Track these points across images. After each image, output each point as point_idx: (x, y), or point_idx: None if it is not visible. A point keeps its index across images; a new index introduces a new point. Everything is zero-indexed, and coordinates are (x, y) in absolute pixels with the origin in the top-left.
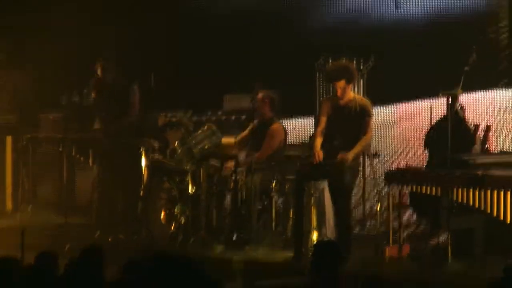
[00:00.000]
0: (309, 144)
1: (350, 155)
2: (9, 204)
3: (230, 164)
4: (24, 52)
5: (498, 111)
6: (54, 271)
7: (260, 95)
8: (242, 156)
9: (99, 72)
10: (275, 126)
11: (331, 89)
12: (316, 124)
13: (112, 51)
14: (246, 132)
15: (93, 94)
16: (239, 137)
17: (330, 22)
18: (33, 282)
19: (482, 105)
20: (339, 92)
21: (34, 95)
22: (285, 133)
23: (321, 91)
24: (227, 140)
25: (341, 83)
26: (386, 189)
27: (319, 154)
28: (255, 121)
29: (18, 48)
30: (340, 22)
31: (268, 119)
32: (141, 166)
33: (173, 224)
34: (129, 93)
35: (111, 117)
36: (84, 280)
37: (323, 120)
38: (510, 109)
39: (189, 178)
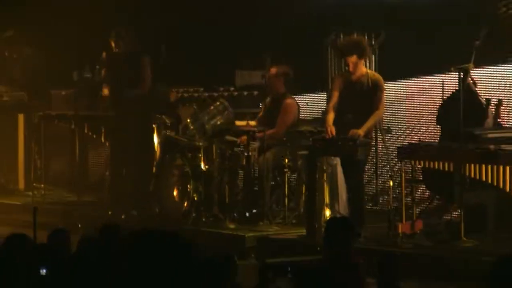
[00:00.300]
0: (321, 120)
1: (362, 130)
2: (21, 183)
3: (244, 138)
4: (35, 28)
5: (510, 85)
6: (67, 248)
7: (273, 70)
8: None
9: (112, 45)
10: (288, 101)
11: (343, 64)
12: (328, 100)
13: (124, 26)
14: (261, 111)
15: (103, 72)
16: (257, 118)
17: None
18: (46, 259)
19: (493, 80)
20: (351, 67)
21: (46, 71)
22: (298, 107)
23: (333, 66)
24: (239, 123)
25: (353, 58)
26: (398, 165)
27: (332, 129)
28: (268, 99)
29: (29, 23)
30: None
31: (281, 95)
32: (153, 143)
33: (186, 201)
34: (141, 65)
35: (121, 89)
36: (99, 257)
37: (335, 95)
38: None
39: (201, 155)
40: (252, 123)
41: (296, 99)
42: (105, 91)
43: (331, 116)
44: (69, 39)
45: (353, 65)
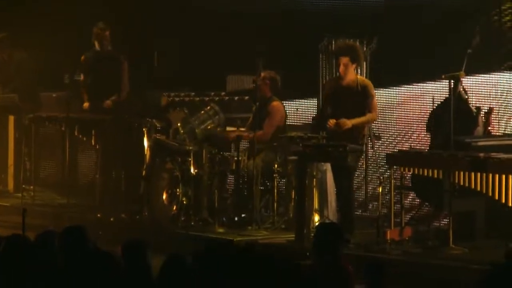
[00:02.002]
0: (311, 126)
1: (351, 121)
2: (11, 184)
3: (234, 136)
4: (27, 30)
5: (501, 93)
6: (54, 249)
7: (261, 75)
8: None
9: (96, 44)
10: (274, 103)
11: (334, 70)
12: (319, 105)
13: (113, 28)
14: (251, 118)
15: (81, 76)
16: (247, 125)
17: (334, 3)
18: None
19: (484, 88)
20: (341, 69)
21: (37, 74)
22: (285, 110)
23: (324, 72)
24: (230, 129)
25: (345, 59)
26: (388, 172)
27: (331, 120)
28: (257, 104)
29: (21, 25)
30: (344, 4)
31: (268, 99)
32: (143, 146)
33: (175, 205)
34: (121, 70)
35: (101, 95)
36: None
37: (326, 101)
38: None
39: (191, 159)
40: (242, 129)
41: (285, 104)
42: (84, 97)
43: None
44: (61, 42)
45: (344, 67)
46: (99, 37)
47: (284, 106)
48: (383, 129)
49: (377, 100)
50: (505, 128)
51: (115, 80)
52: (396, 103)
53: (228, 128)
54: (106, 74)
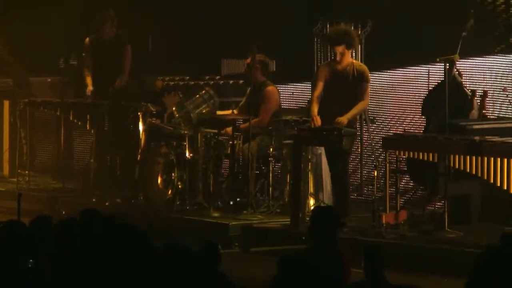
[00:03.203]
0: (306, 109)
1: (346, 118)
2: (6, 169)
3: (228, 129)
4: (21, 14)
5: (496, 76)
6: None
7: (248, 60)
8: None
9: (103, 27)
10: (269, 88)
11: (329, 54)
12: (313, 89)
13: (110, 11)
14: (243, 100)
15: (85, 59)
16: (239, 107)
17: None
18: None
19: (479, 71)
20: (338, 57)
21: (32, 59)
22: (279, 94)
23: (319, 56)
24: (221, 113)
25: (341, 48)
26: (383, 155)
27: (317, 119)
28: (249, 88)
29: (14, 10)
30: None
31: (261, 83)
32: (138, 131)
33: (170, 189)
34: (123, 54)
35: (105, 80)
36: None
37: (320, 85)
38: (507, 75)
39: (186, 143)
40: (236, 112)
41: (280, 87)
42: (88, 81)
43: (315, 106)
44: (55, 26)
45: (340, 55)
46: (100, 24)
47: (278, 90)
48: (378, 112)
49: (372, 83)
50: (500, 111)
51: (116, 67)
52: (391, 87)
53: (220, 112)
54: (110, 59)
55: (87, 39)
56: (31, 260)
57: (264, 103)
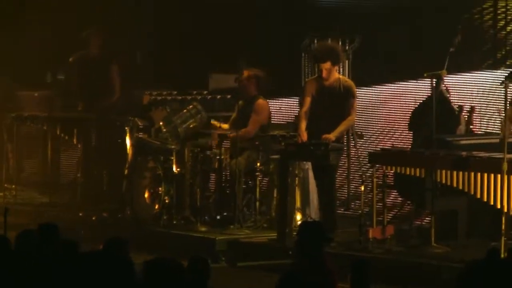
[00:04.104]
0: (294, 124)
1: (334, 135)
2: None
3: (215, 139)
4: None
5: (483, 92)
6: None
7: (246, 73)
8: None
9: (90, 44)
10: (260, 101)
11: (316, 69)
12: (301, 105)
13: (98, 27)
14: (234, 114)
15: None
16: (230, 121)
17: (317, 2)
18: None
19: (466, 86)
20: (324, 73)
21: (19, 73)
22: (269, 109)
23: (306, 71)
24: (214, 122)
25: (327, 65)
26: (370, 170)
27: (304, 134)
28: (240, 102)
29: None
30: (327, 2)
31: (253, 97)
32: (125, 145)
33: (157, 204)
34: (110, 73)
35: (93, 97)
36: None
37: (308, 100)
38: (494, 91)
39: (173, 158)
40: (225, 126)
41: (268, 102)
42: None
43: (303, 122)
44: (43, 41)
45: (327, 72)
46: (87, 41)
47: (269, 105)
48: (365, 127)
49: (359, 98)
50: (487, 126)
51: (104, 83)
52: (379, 102)
53: (213, 122)
54: (96, 76)
55: (72, 58)
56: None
57: (253, 115)
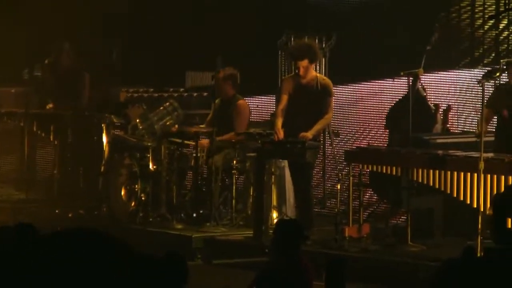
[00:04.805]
0: (270, 122)
1: (311, 133)
2: None
3: (205, 142)
4: None
5: (460, 91)
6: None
7: (221, 73)
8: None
9: (58, 54)
10: (240, 102)
11: (293, 67)
12: (278, 103)
13: (68, 41)
14: (210, 114)
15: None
16: (207, 120)
17: None
18: None
19: (443, 85)
20: (301, 71)
21: None
22: (249, 108)
23: (283, 69)
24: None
25: (304, 62)
26: (346, 169)
27: (280, 132)
28: (217, 101)
29: None
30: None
31: (231, 97)
32: (102, 142)
33: (134, 201)
34: (80, 80)
35: (62, 103)
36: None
37: (285, 98)
38: (472, 89)
39: (150, 155)
40: (202, 126)
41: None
42: (49, 105)
43: (279, 120)
44: (19, 37)
45: (304, 69)
46: (61, 55)
47: (248, 104)
48: (341, 126)
49: (336, 96)
50: (464, 125)
51: (73, 92)
52: (355, 100)
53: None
54: (66, 85)
55: (47, 60)
56: None
57: (237, 118)
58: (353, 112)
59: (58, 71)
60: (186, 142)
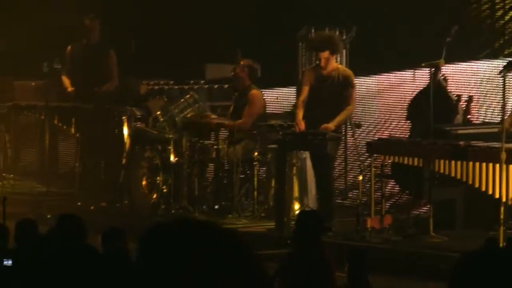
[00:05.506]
0: (291, 114)
1: (333, 124)
2: None
3: (214, 121)
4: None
5: (481, 82)
6: (34, 237)
7: (239, 64)
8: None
9: (90, 31)
10: (253, 92)
11: (313, 59)
12: (298, 94)
13: (94, 15)
14: (231, 107)
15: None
16: (229, 113)
17: None
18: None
19: (464, 76)
20: (322, 62)
21: (15, 62)
22: (263, 99)
23: (303, 61)
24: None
25: (325, 54)
26: (368, 160)
27: (301, 124)
28: (236, 93)
29: None
30: None
31: (247, 87)
32: (123, 135)
33: (155, 193)
34: (109, 60)
35: (87, 82)
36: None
37: (305, 90)
38: (492, 80)
39: (171, 147)
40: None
41: (265, 92)
42: (66, 82)
43: (300, 111)
44: (39, 30)
45: (325, 61)
46: (88, 29)
47: (262, 94)
48: (363, 117)
49: (357, 88)
50: (485, 116)
51: (102, 72)
52: (376, 92)
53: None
54: (94, 67)
55: (69, 47)
56: (9, 261)
57: (248, 106)
58: (375, 104)
59: (86, 47)
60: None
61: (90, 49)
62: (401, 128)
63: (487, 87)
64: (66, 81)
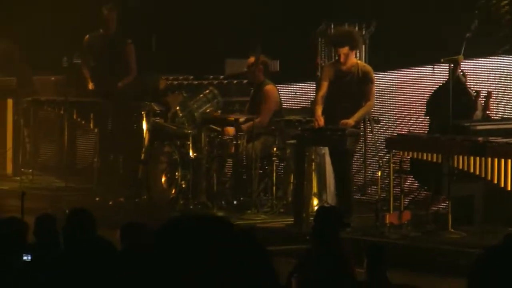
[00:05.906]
0: (310, 109)
1: (353, 120)
2: (10, 168)
3: (231, 130)
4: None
5: (500, 77)
6: (53, 233)
7: (252, 59)
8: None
9: (107, 21)
10: (267, 87)
11: (333, 54)
12: (317, 89)
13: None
14: (248, 104)
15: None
16: (246, 109)
17: None
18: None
19: (483, 72)
20: (342, 58)
21: (35, 57)
22: (278, 93)
23: (322, 56)
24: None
25: (345, 49)
26: (387, 156)
27: (320, 119)
28: (252, 89)
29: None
30: None
31: (261, 83)
32: (142, 130)
33: (174, 188)
34: (127, 52)
35: (105, 75)
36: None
37: (325, 85)
38: (511, 76)
39: (190, 142)
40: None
41: (284, 88)
42: (87, 77)
43: (319, 107)
44: (59, 25)
45: (345, 56)
46: (106, 19)
47: (277, 89)
48: (382, 113)
49: (376, 84)
50: (504, 112)
51: (120, 63)
52: (395, 87)
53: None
54: (111, 57)
55: (87, 36)
56: (28, 256)
57: (264, 103)
58: (393, 99)
59: (103, 41)
60: (213, 127)
61: (108, 39)
62: (420, 124)
63: (506, 83)
64: (87, 75)
